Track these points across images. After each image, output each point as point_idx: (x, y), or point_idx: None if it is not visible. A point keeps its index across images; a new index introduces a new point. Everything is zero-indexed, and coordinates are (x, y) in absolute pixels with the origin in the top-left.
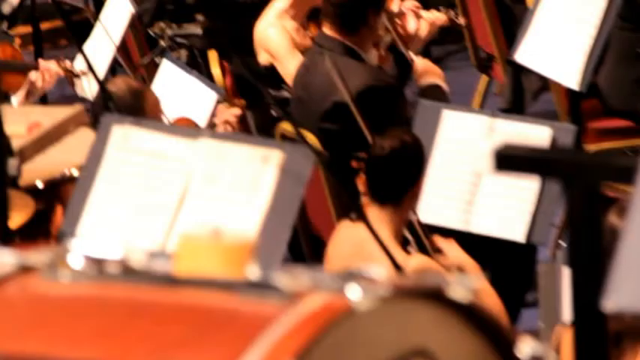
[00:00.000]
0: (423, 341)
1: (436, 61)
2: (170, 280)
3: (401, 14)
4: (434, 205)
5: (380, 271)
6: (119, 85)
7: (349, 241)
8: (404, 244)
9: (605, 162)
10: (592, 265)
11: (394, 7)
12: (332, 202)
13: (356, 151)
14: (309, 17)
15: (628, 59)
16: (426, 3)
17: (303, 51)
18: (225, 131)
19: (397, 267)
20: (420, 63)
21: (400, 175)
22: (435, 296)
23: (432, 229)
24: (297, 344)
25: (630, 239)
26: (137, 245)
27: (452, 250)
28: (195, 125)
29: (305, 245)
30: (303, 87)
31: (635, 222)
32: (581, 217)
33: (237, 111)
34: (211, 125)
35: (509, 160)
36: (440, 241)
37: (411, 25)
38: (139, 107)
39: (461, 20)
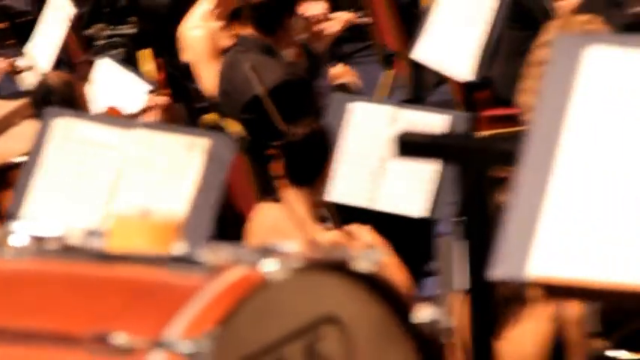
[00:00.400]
0: (332, 309)
1: (346, 56)
2: (104, 256)
3: (312, 16)
4: (345, 186)
5: (293, 246)
6: (53, 79)
7: (268, 220)
8: (322, 221)
9: (490, 146)
10: (481, 239)
11: (307, 9)
12: (254, 185)
13: (273, 140)
14: (232, 17)
15: (516, 56)
16: (336, 5)
17: (227, 48)
18: (151, 116)
19: (311, 242)
20: (336, 68)
21: (312, 160)
22: (343, 268)
23: (346, 208)
24: (218, 312)
25: (512, 215)
26: (75, 225)
27: (362, 231)
28: (122, 114)
29: (229, 224)
30: (227, 81)
31: (516, 199)
32: (471, 195)
33: (162, 99)
34: (142, 112)
35: (409, 145)
36: (353, 226)
37: (321, 24)
38: (72, 96)
39: (366, 20)
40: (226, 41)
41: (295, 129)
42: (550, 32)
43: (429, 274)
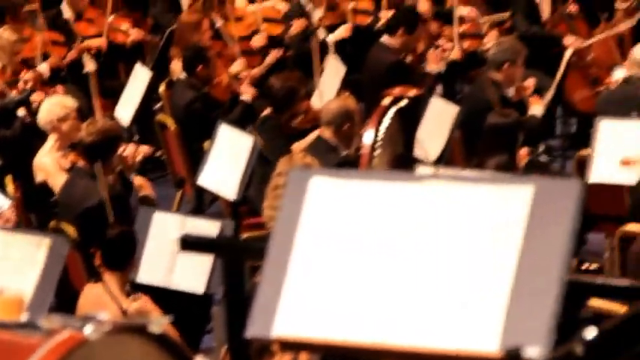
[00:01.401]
0: None
1: (150, 180)
2: None
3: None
4: (148, 270)
5: (106, 315)
6: None
7: (92, 295)
8: (129, 294)
9: (248, 244)
10: (241, 308)
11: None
12: (83, 270)
13: (96, 239)
14: (71, 148)
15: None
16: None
17: (68, 169)
18: (7, 220)
19: (122, 311)
20: (138, 179)
21: (123, 252)
22: (142, 331)
23: (150, 287)
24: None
25: (261, 290)
26: None
27: (147, 302)
28: None
29: (66, 299)
30: (65, 195)
31: (264, 280)
32: (234, 278)
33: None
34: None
35: (191, 244)
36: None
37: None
38: None
39: (163, 156)
40: (66, 165)
41: (111, 230)
42: (282, 165)
43: (208, 332)
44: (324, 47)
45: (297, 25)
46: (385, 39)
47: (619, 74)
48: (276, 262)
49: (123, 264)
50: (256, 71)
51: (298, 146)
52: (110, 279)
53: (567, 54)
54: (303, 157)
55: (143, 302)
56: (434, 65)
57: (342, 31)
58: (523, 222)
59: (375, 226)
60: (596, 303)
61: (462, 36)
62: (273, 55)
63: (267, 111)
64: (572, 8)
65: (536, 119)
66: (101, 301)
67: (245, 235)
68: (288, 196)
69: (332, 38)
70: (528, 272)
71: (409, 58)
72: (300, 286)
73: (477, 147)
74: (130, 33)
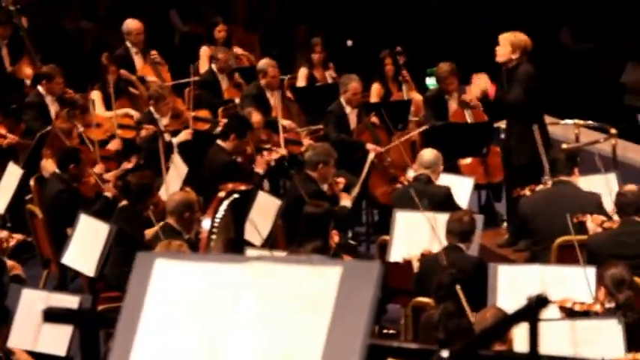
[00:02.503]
0: None
1: (19, 262)
2: None
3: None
4: (20, 336)
5: None
6: None
7: None
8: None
9: (101, 315)
10: None
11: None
12: None
13: None
14: None
15: (122, 264)
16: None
17: None
18: None
19: None
20: (11, 262)
21: None
22: None
23: None
24: None
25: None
26: None
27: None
28: None
29: None
30: None
31: (113, 351)
32: (88, 344)
33: None
34: None
35: (53, 316)
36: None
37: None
38: None
39: (32, 240)
40: None
41: None
42: (159, 249)
43: None
44: (169, 148)
45: (146, 131)
46: (220, 142)
47: (411, 173)
48: (124, 331)
49: None
50: (117, 172)
51: (149, 232)
52: None
53: (370, 157)
54: (179, 246)
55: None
56: (260, 167)
57: (184, 135)
58: (333, 297)
59: (209, 302)
60: None
61: (285, 142)
62: (132, 161)
63: (123, 203)
64: (374, 120)
65: (346, 210)
66: None
67: (101, 307)
68: (135, 275)
69: (176, 141)
70: (337, 338)
71: (240, 159)
72: (144, 355)
73: (296, 233)
74: (8, 137)
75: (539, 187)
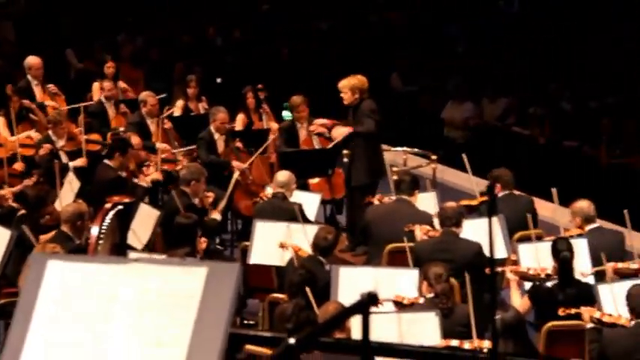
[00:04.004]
0: None
1: None
2: None
3: None
4: None
5: None
6: None
7: None
8: None
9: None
10: None
11: None
12: None
13: None
14: None
15: None
16: None
17: None
18: None
19: None
20: None
21: None
22: None
23: None
24: None
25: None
26: None
27: None
28: None
29: None
30: None
31: (8, 340)
32: None
33: None
34: None
35: None
36: None
37: None
38: None
39: None
40: None
41: None
42: (37, 250)
43: None
44: (66, 168)
45: (44, 149)
46: (107, 161)
47: (269, 190)
48: (18, 324)
49: None
50: (19, 187)
51: (45, 237)
52: None
53: (235, 175)
54: (53, 248)
55: None
56: (143, 182)
57: (79, 162)
58: (199, 292)
59: (94, 297)
60: (251, 347)
61: (163, 161)
62: (33, 179)
63: (22, 212)
64: (238, 144)
65: (214, 221)
66: None
67: (2, 301)
68: (30, 275)
69: (72, 165)
70: (203, 328)
71: (124, 174)
72: (35, 351)
73: (171, 239)
74: None
75: (386, 199)
